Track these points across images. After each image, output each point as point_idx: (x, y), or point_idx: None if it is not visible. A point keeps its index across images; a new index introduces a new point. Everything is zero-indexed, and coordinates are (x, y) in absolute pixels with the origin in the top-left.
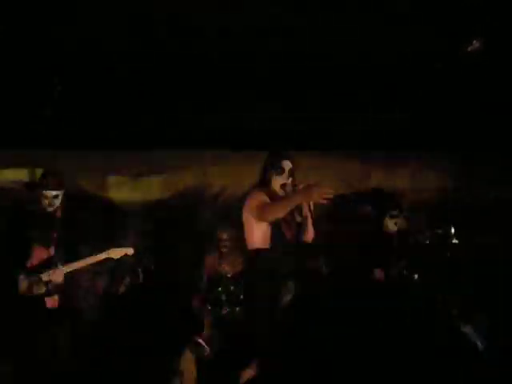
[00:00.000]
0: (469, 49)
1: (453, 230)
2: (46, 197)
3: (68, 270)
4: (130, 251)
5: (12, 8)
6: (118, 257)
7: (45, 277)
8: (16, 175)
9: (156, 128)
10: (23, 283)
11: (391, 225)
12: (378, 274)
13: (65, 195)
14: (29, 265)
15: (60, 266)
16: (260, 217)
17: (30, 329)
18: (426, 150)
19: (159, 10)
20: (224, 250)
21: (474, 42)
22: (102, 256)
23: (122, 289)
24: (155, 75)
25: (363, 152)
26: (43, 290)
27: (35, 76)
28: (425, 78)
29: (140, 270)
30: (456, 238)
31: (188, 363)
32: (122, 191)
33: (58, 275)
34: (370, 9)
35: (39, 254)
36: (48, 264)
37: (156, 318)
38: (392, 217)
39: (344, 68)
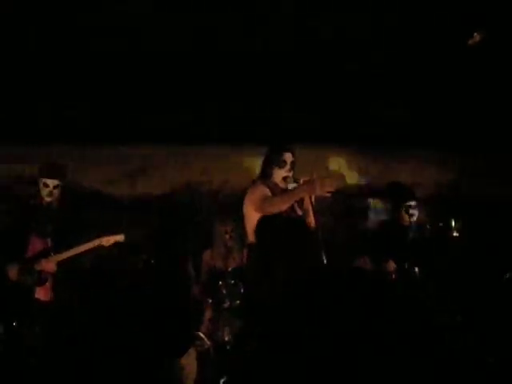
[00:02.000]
0: (469, 42)
1: (453, 223)
2: (47, 185)
3: (60, 259)
4: (121, 238)
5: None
6: (109, 244)
7: (38, 266)
8: (14, 171)
9: (156, 124)
10: (13, 272)
11: (407, 217)
12: (389, 266)
13: (64, 188)
14: (25, 256)
15: (52, 255)
16: (262, 210)
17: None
18: (427, 146)
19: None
20: (225, 244)
21: (475, 34)
22: (94, 243)
23: (122, 282)
24: (155, 72)
25: (364, 147)
26: (35, 278)
27: (33, 72)
28: (425, 75)
29: (140, 264)
30: (457, 232)
31: (188, 357)
32: (122, 187)
33: (50, 264)
34: (369, 6)
35: (36, 245)
36: (43, 254)
37: (155, 312)
38: (408, 209)
39: (345, 65)
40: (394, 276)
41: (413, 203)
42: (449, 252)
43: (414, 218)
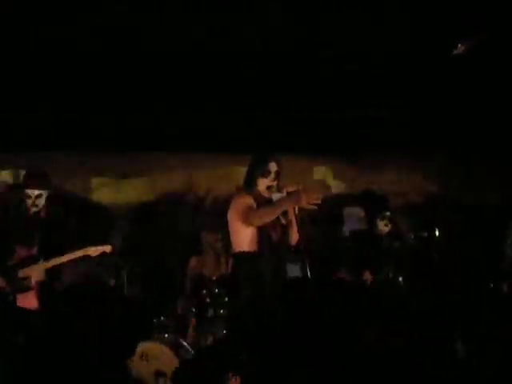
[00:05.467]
0: (454, 52)
1: (437, 233)
2: (29, 196)
3: (44, 267)
4: (108, 249)
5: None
6: (96, 254)
7: (21, 273)
8: (0, 177)
9: (142, 130)
10: None
11: (381, 226)
12: (366, 276)
13: (50, 196)
14: (9, 263)
15: (36, 263)
16: (247, 221)
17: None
18: (411, 155)
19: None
20: (209, 252)
21: (459, 45)
22: (79, 253)
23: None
24: (144, 77)
25: (349, 157)
26: (17, 286)
27: (23, 77)
28: (413, 80)
29: (125, 271)
30: (440, 241)
31: (171, 364)
32: (108, 193)
33: (34, 272)
34: (367, 7)
35: (21, 254)
36: (27, 263)
37: (140, 319)
38: (382, 218)
39: (333, 70)
40: (370, 286)
41: (387, 213)
42: (432, 262)
43: (387, 229)
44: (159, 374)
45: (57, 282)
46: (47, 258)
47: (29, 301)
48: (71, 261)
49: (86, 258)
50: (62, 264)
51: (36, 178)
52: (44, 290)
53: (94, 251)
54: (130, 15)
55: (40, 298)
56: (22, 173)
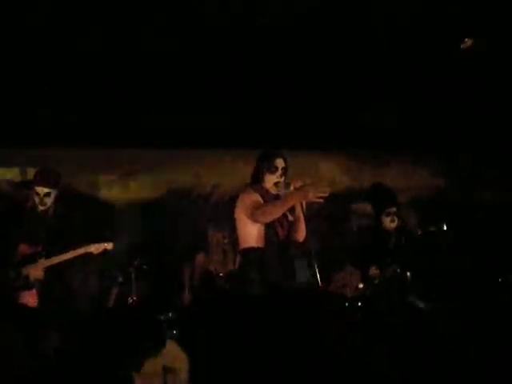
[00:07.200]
0: (461, 46)
1: (445, 227)
2: (38, 193)
3: (47, 264)
4: (110, 246)
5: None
6: (98, 251)
7: (24, 271)
8: (6, 174)
9: (147, 127)
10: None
11: (387, 222)
12: (372, 271)
13: (58, 195)
14: (13, 260)
15: (39, 260)
16: (254, 217)
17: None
18: (417, 149)
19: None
20: (216, 248)
21: (467, 39)
22: (81, 250)
23: (114, 289)
24: (147, 75)
25: (354, 152)
26: (21, 283)
27: (27, 75)
28: (416, 78)
29: (132, 269)
30: (449, 236)
31: (180, 360)
32: (113, 190)
33: (36, 270)
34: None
35: (24, 250)
36: (31, 260)
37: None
38: (388, 214)
39: (337, 67)
40: (376, 281)
41: (393, 209)
42: (441, 256)
43: (394, 225)
44: (167, 369)
45: (60, 279)
46: (49, 256)
47: (31, 299)
48: (73, 258)
49: (89, 255)
50: (66, 261)
51: (46, 177)
52: (45, 288)
53: (95, 249)
54: (130, 15)
55: (40, 296)
56: (30, 170)
